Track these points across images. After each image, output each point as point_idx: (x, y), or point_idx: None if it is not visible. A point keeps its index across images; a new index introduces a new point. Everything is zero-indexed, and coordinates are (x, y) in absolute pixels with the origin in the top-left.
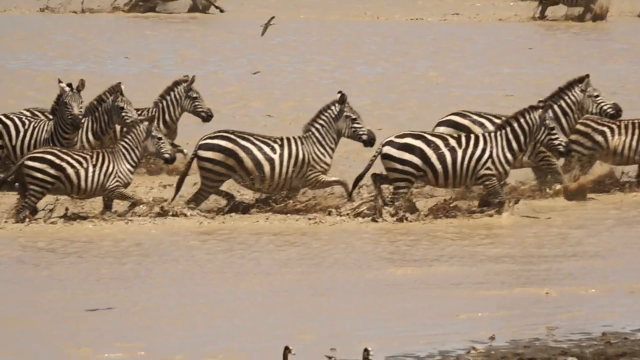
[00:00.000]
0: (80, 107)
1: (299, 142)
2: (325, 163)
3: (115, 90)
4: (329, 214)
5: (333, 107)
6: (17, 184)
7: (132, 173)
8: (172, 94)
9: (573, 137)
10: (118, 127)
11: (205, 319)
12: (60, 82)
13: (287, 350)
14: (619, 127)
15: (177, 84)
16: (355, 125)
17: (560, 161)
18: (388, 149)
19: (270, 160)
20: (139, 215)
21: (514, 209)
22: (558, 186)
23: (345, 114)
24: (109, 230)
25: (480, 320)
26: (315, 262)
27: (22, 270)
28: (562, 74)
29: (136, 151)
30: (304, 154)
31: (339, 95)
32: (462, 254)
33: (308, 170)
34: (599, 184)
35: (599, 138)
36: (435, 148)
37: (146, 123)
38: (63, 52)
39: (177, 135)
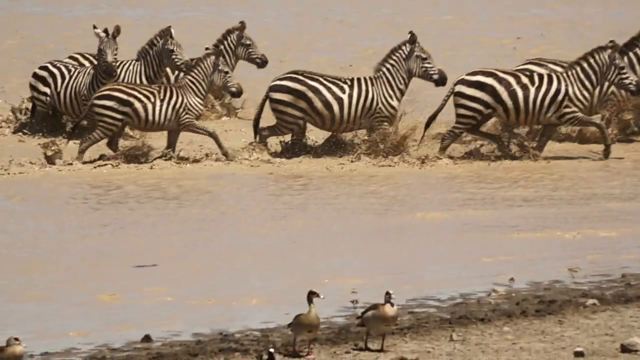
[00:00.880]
0: (115, 54)
1: (368, 83)
2: (392, 106)
3: (165, 33)
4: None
5: (404, 47)
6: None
7: (200, 105)
8: (225, 42)
9: None
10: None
11: (246, 262)
12: (95, 27)
13: (312, 294)
14: None
15: (229, 32)
16: (426, 64)
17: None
18: (459, 87)
19: (339, 100)
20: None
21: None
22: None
23: (415, 53)
24: (167, 172)
25: (503, 263)
26: (335, 208)
27: (73, 211)
28: None
29: (203, 84)
30: (373, 95)
31: (409, 35)
32: (490, 198)
33: (376, 111)
34: None
35: None
36: (507, 85)
37: (213, 57)
38: None
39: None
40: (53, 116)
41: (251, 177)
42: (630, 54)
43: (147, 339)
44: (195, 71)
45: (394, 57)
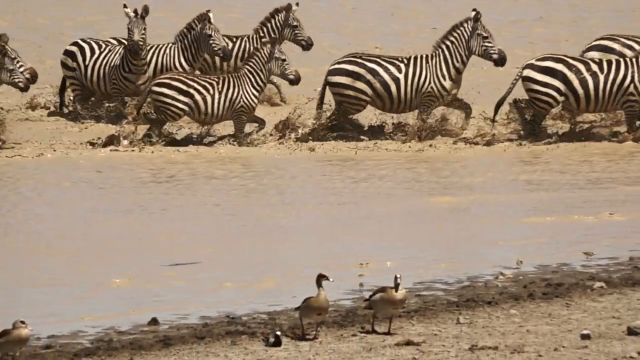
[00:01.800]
0: (143, 34)
1: (423, 61)
2: (443, 87)
3: (203, 17)
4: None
5: (466, 24)
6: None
7: (257, 98)
8: (272, 21)
9: None
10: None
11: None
12: (125, 7)
13: (321, 277)
14: None
15: (277, 11)
16: (486, 43)
17: None
18: (528, 72)
19: (396, 80)
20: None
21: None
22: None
23: (477, 31)
24: (220, 153)
25: (513, 246)
26: (382, 189)
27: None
28: None
29: (261, 74)
30: (426, 73)
31: (473, 12)
32: (506, 182)
33: (427, 92)
34: None
35: None
36: (577, 72)
37: (269, 45)
38: None
39: None
40: (86, 96)
41: (301, 160)
42: None
43: (154, 321)
44: (253, 61)
45: (455, 35)
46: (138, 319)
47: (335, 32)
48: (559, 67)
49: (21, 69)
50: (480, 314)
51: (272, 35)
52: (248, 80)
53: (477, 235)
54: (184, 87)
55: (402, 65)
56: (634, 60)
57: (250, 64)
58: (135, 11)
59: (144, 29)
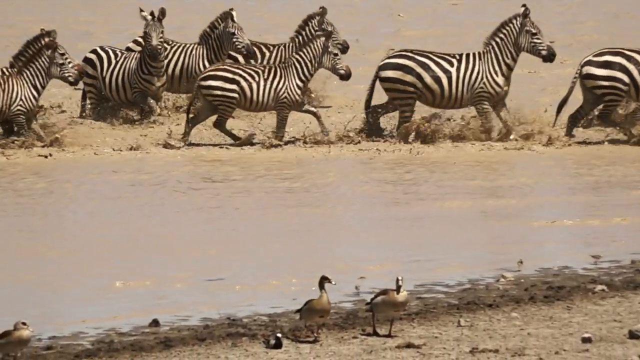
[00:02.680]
0: (160, 37)
1: (476, 57)
2: (497, 83)
3: (226, 16)
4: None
5: (514, 21)
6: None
7: (300, 89)
8: (306, 28)
9: None
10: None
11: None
12: (141, 10)
13: (324, 279)
14: None
15: (310, 17)
16: (535, 40)
17: None
18: (588, 69)
19: (448, 75)
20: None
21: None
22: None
23: (526, 28)
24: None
25: (515, 250)
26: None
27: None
28: None
29: (309, 65)
30: (479, 70)
31: (522, 8)
32: (518, 186)
33: (479, 88)
34: None
35: None
36: (636, 63)
37: (323, 38)
38: None
39: None
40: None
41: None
42: None
43: (155, 323)
44: (304, 51)
45: (504, 31)
46: (139, 320)
47: None
48: (618, 59)
49: (70, 65)
50: (481, 317)
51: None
52: (294, 71)
53: (478, 239)
54: (230, 75)
55: (454, 61)
56: None
57: (301, 54)
58: (152, 14)
59: (162, 32)
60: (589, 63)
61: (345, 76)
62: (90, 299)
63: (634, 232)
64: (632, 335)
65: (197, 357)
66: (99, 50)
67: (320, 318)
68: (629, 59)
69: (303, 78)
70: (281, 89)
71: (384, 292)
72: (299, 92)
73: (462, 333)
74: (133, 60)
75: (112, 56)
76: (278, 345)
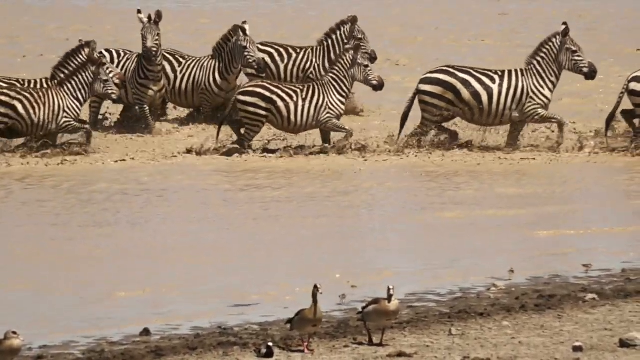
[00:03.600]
0: (156, 40)
1: (519, 74)
2: (545, 96)
3: (238, 29)
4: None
5: (555, 39)
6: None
7: (343, 104)
8: (337, 33)
9: None
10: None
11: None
12: (139, 12)
13: (315, 289)
14: None
15: (342, 23)
16: (576, 57)
17: None
18: (635, 85)
19: (489, 91)
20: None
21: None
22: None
23: (566, 46)
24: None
25: (507, 259)
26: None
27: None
28: None
29: (345, 81)
30: (523, 86)
31: (562, 27)
32: (511, 196)
33: (527, 102)
34: None
35: None
36: None
37: (351, 52)
38: None
39: None
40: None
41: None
42: None
43: (146, 332)
44: (337, 68)
45: (545, 50)
46: (130, 329)
47: None
48: None
49: (110, 74)
50: (472, 326)
51: (337, 48)
52: (333, 88)
53: (472, 249)
54: (267, 94)
55: (496, 77)
56: None
57: (334, 71)
58: (150, 17)
59: (158, 34)
60: (635, 79)
61: (378, 87)
62: (84, 307)
63: None
64: (623, 344)
65: None
66: (103, 52)
67: (312, 327)
68: None
69: (343, 93)
70: (322, 106)
71: (376, 301)
72: (341, 106)
73: (454, 342)
74: (132, 62)
75: (115, 56)
76: (269, 354)
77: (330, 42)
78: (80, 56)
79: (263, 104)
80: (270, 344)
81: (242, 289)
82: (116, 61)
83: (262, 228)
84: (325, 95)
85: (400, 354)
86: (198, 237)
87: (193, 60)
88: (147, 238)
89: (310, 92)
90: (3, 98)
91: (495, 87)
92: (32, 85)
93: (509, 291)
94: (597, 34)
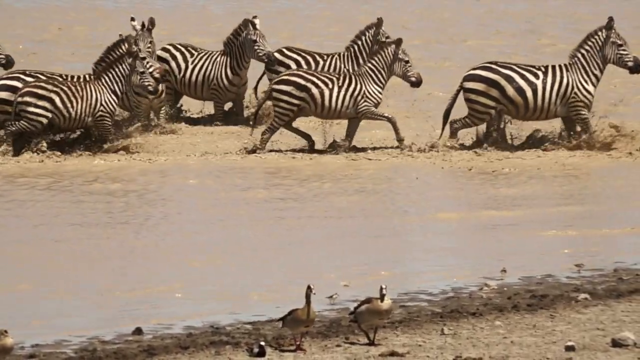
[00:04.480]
0: (149, 47)
1: (563, 69)
2: (588, 91)
3: (248, 23)
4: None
5: (600, 33)
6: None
7: (380, 93)
8: (363, 38)
9: None
10: None
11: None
12: (132, 20)
13: (309, 289)
14: None
15: (368, 28)
16: (621, 51)
17: None
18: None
19: (533, 87)
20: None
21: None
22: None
23: (611, 39)
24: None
25: (501, 260)
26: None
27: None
28: None
29: (383, 72)
30: (568, 80)
31: (607, 20)
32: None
33: (572, 97)
34: None
35: None
36: None
37: (393, 45)
38: None
39: None
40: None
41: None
42: None
43: (138, 331)
44: (376, 59)
45: (590, 43)
46: (122, 328)
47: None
48: None
49: (150, 69)
50: (464, 325)
51: (363, 52)
52: (370, 77)
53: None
54: (302, 82)
55: (539, 73)
56: None
57: (373, 61)
58: (143, 24)
59: (150, 42)
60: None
61: (416, 83)
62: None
63: None
64: (615, 343)
65: None
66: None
67: (305, 327)
68: None
69: (379, 83)
70: (359, 94)
71: (368, 300)
72: (379, 95)
73: (446, 341)
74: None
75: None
76: (261, 353)
77: (357, 47)
78: (120, 51)
79: (297, 93)
80: (263, 343)
81: (235, 288)
82: None
83: (268, 229)
84: (363, 84)
85: (392, 354)
86: (194, 238)
87: (205, 53)
88: (143, 239)
89: (347, 80)
90: (41, 92)
91: (539, 83)
92: (74, 80)
93: (501, 291)
94: None
